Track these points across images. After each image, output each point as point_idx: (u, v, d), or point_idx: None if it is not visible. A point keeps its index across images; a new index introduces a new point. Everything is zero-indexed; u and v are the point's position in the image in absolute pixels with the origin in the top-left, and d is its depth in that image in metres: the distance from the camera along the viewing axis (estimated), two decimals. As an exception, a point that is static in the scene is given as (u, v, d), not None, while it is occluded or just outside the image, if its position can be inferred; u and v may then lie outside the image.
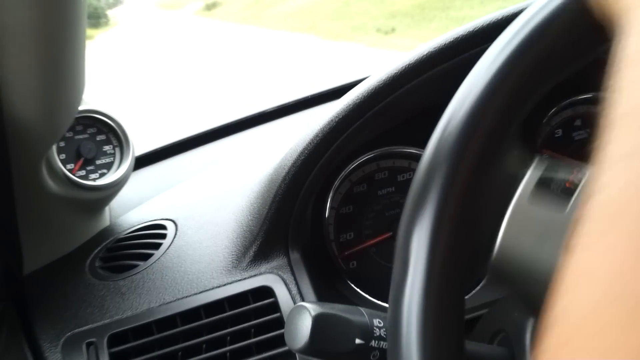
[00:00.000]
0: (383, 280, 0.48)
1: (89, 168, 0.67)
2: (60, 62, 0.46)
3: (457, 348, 0.27)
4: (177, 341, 0.53)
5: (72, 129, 0.66)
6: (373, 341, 0.38)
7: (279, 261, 0.58)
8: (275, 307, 0.54)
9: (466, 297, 0.40)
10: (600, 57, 0.26)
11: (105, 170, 0.68)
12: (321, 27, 7.70)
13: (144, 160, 0.94)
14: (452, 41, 0.54)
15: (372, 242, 0.64)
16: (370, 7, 8.21)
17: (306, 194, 0.58)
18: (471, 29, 0.54)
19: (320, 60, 5.58)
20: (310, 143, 0.57)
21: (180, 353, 0.52)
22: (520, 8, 0.49)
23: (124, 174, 0.68)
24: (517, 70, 0.28)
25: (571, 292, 0.18)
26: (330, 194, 0.63)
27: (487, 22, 0.53)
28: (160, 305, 0.56)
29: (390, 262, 0.59)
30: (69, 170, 0.62)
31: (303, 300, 0.55)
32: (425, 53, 0.55)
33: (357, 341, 0.37)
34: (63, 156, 0.65)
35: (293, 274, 0.57)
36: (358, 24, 7.10)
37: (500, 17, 0.52)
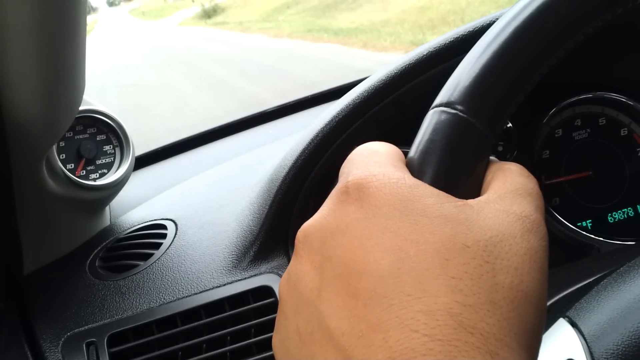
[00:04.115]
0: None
1: (89, 168, 0.67)
2: (60, 62, 0.46)
3: None
4: (177, 341, 0.53)
5: (72, 129, 0.66)
6: None
7: (279, 261, 0.58)
8: (275, 307, 0.54)
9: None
10: None
11: (105, 170, 0.68)
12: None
13: (144, 160, 0.95)
14: (453, 41, 0.54)
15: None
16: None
17: (306, 194, 0.58)
18: (472, 29, 0.54)
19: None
20: (310, 143, 0.57)
21: (180, 353, 0.52)
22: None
23: (124, 174, 0.68)
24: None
25: None
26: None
27: (488, 22, 0.53)
28: (160, 305, 0.56)
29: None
30: (69, 170, 0.62)
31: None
32: (425, 53, 0.55)
33: None
34: (63, 156, 0.65)
35: (293, 273, 0.57)
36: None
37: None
